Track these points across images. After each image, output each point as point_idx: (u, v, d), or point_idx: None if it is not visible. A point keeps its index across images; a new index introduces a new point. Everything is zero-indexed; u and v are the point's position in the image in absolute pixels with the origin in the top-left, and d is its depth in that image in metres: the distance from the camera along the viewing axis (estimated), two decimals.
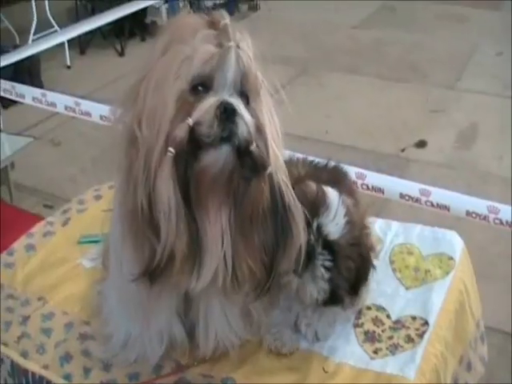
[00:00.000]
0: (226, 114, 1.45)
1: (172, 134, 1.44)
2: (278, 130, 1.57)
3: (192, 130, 1.44)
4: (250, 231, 1.53)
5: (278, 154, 1.55)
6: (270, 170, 1.50)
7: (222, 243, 1.52)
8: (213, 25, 1.54)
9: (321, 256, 1.73)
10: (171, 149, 1.44)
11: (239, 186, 1.50)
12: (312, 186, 1.80)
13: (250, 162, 1.49)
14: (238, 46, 1.50)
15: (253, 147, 1.48)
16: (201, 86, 1.49)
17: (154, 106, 1.48)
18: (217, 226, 1.51)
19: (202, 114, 1.45)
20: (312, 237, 1.72)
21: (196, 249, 1.51)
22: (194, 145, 1.45)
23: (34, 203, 4.86)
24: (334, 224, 1.74)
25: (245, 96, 1.51)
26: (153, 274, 1.50)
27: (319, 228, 1.73)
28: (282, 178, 1.56)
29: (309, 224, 1.70)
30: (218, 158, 1.46)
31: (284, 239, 1.56)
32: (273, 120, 1.56)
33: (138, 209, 1.46)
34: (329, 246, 1.73)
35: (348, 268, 1.76)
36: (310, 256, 1.71)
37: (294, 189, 1.64)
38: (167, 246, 1.47)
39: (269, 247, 1.56)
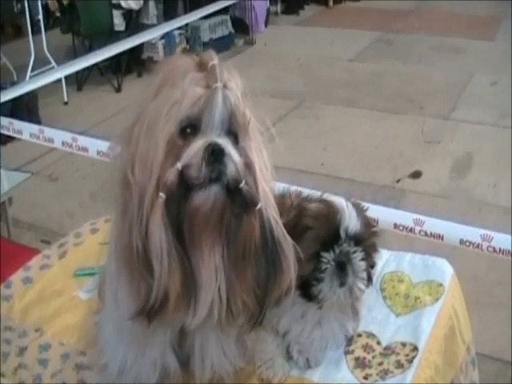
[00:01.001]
0: (214, 155, 1.47)
1: (162, 178, 1.47)
2: (267, 166, 1.59)
3: (182, 174, 1.47)
4: (243, 266, 1.56)
5: (267, 190, 1.58)
6: (259, 205, 1.53)
7: (216, 279, 1.54)
8: (201, 66, 1.57)
9: (355, 251, 1.80)
10: (162, 194, 1.47)
11: (230, 223, 1.53)
12: (317, 204, 1.86)
13: (239, 199, 1.51)
14: (225, 86, 1.53)
15: (242, 185, 1.50)
16: (189, 128, 1.51)
17: (146, 150, 1.51)
18: (210, 264, 1.54)
19: (190, 158, 1.48)
20: (344, 240, 1.79)
21: (191, 287, 1.53)
22: (185, 187, 1.48)
23: (31, 239, 4.89)
24: (353, 221, 1.80)
25: (233, 135, 1.54)
26: (149, 313, 1.53)
27: (346, 230, 1.79)
28: (272, 213, 1.58)
29: (337, 231, 1.79)
30: (208, 198, 1.49)
31: (275, 272, 1.58)
32: (262, 156, 1.58)
33: (134, 248, 1.49)
34: (355, 239, 1.81)
35: (369, 255, 1.85)
36: (348, 256, 1.79)
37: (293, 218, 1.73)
38: (161, 286, 1.50)
39: (261, 280, 1.58)
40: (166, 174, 1.48)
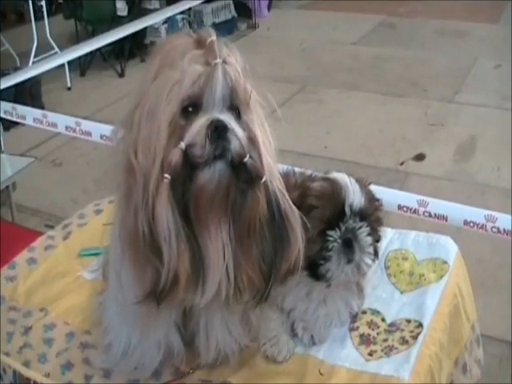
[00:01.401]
0: (217, 132, 1.48)
1: (166, 159, 1.47)
2: (270, 140, 1.59)
3: (186, 153, 1.47)
4: (249, 242, 1.56)
5: (272, 163, 1.58)
6: (264, 179, 1.53)
7: (224, 258, 1.55)
8: (200, 43, 1.57)
9: (360, 227, 1.80)
10: (167, 175, 1.47)
11: (236, 198, 1.53)
12: (320, 183, 1.86)
13: (244, 173, 1.51)
14: (224, 62, 1.53)
15: (246, 159, 1.50)
16: (191, 107, 1.52)
17: (148, 134, 1.51)
18: (218, 242, 1.54)
19: (193, 136, 1.48)
20: (349, 217, 1.79)
21: (199, 266, 1.54)
22: (190, 166, 1.48)
23: (35, 224, 4.89)
24: (357, 197, 1.81)
25: (235, 110, 1.54)
26: (158, 296, 1.54)
27: (351, 206, 1.79)
28: (278, 186, 1.58)
29: (342, 208, 1.79)
30: (213, 175, 1.49)
31: (282, 246, 1.58)
32: (264, 130, 1.59)
33: (140, 233, 1.49)
34: (360, 214, 1.81)
35: (375, 230, 1.86)
36: (354, 233, 1.79)
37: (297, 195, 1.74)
38: (171, 268, 1.50)
39: (267, 255, 1.58)
40: (169, 155, 1.48)
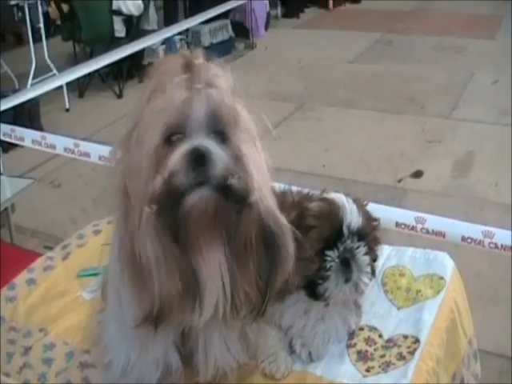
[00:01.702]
0: (198, 159, 1.49)
1: (150, 188, 1.49)
2: (262, 158, 1.59)
3: (169, 181, 1.49)
4: (245, 259, 1.57)
5: (262, 181, 1.57)
6: (253, 198, 1.53)
7: (221, 277, 1.56)
8: (187, 67, 1.58)
9: (358, 247, 1.82)
10: (151, 205, 1.49)
11: (228, 219, 1.54)
12: (318, 203, 1.88)
13: (232, 195, 1.52)
14: (210, 84, 1.54)
15: (232, 181, 1.51)
16: (176, 134, 1.53)
17: (137, 160, 1.53)
18: (212, 263, 1.55)
19: (174, 165, 1.49)
20: (347, 237, 1.81)
21: (195, 288, 1.55)
22: (174, 193, 1.49)
23: (34, 245, 4.89)
24: (354, 217, 1.82)
25: (221, 133, 1.54)
26: (155, 319, 1.56)
27: (349, 227, 1.81)
28: (268, 203, 1.59)
29: (340, 228, 1.80)
30: (198, 201, 1.50)
31: (276, 262, 1.59)
32: (256, 149, 1.58)
33: (136, 255, 1.51)
34: (357, 234, 1.83)
35: (372, 249, 1.88)
36: (352, 252, 1.81)
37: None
38: (161, 292, 1.52)
39: (263, 271, 1.59)
40: (153, 183, 1.49)
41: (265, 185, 1.58)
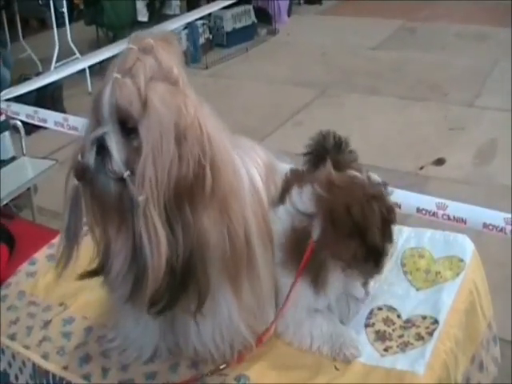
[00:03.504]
0: (98, 149, 1.59)
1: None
2: (170, 154, 1.57)
3: (80, 163, 1.61)
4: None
5: (159, 178, 1.57)
6: (141, 198, 1.56)
7: (125, 256, 1.64)
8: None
9: None
10: (75, 180, 1.64)
11: (127, 208, 1.61)
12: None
13: (126, 189, 1.59)
14: (128, 73, 1.57)
15: (125, 175, 1.58)
16: (96, 120, 1.62)
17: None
18: (119, 241, 1.66)
19: (83, 150, 1.62)
20: None
21: (107, 256, 1.70)
22: (86, 174, 1.61)
23: (56, 226, 4.87)
24: None
25: (127, 124, 1.59)
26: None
27: None
28: (151, 211, 1.57)
29: None
30: (98, 187, 1.62)
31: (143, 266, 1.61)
32: (166, 144, 1.57)
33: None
34: None
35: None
36: None
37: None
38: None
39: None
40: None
41: (160, 183, 1.58)
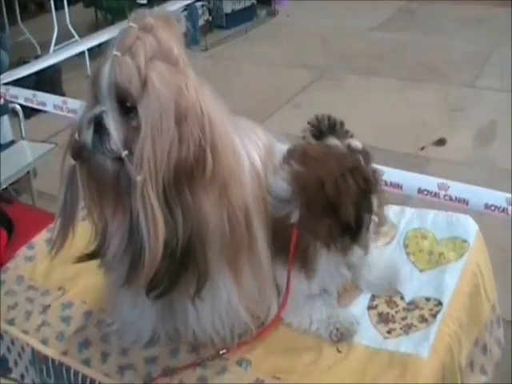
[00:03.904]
0: (95, 128, 1.57)
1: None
2: (169, 134, 1.55)
3: (77, 142, 1.59)
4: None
5: (159, 157, 1.54)
6: (139, 178, 1.54)
7: (122, 236, 1.63)
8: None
9: None
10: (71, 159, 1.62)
11: (125, 187, 1.59)
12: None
13: (124, 168, 1.57)
14: (127, 51, 1.55)
15: (123, 154, 1.55)
16: (94, 98, 1.60)
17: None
18: (116, 221, 1.64)
19: (81, 128, 1.59)
20: None
21: (104, 236, 1.68)
22: (83, 153, 1.59)
23: (55, 210, 4.88)
24: None
25: (126, 103, 1.56)
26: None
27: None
28: (149, 191, 1.55)
29: None
30: (95, 165, 1.60)
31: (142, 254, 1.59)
32: (166, 123, 1.55)
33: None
34: None
35: None
36: None
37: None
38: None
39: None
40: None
41: (159, 162, 1.55)
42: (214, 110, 1.63)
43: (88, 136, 1.57)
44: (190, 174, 1.57)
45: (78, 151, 1.60)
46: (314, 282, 1.87)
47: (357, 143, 1.90)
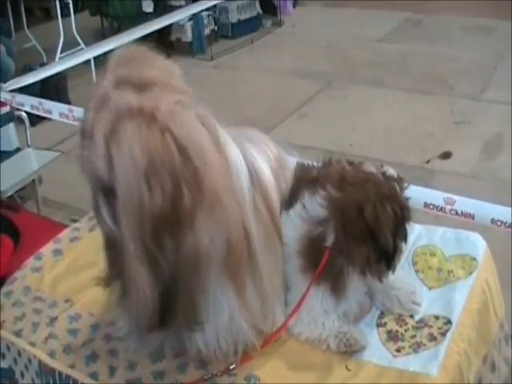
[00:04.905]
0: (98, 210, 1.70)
1: None
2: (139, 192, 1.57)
3: None
4: None
5: (129, 224, 1.59)
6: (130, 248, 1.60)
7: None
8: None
9: None
10: None
11: None
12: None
13: None
14: (89, 140, 1.61)
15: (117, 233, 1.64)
16: None
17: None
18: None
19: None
20: None
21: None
22: None
23: (61, 218, 4.85)
24: None
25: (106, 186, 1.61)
26: None
27: None
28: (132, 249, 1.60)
29: None
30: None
31: None
32: (135, 184, 1.56)
33: None
34: None
35: None
36: None
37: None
38: None
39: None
40: None
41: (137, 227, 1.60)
42: (192, 133, 1.61)
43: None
44: (167, 219, 1.57)
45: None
46: (341, 305, 1.88)
47: (392, 171, 1.90)
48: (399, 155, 5.68)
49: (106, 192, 1.60)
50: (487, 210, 2.99)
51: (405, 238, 1.85)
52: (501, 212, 2.94)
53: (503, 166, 5.49)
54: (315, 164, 2.10)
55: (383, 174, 1.88)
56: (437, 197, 3.10)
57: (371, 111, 6.67)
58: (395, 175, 1.91)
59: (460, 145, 5.89)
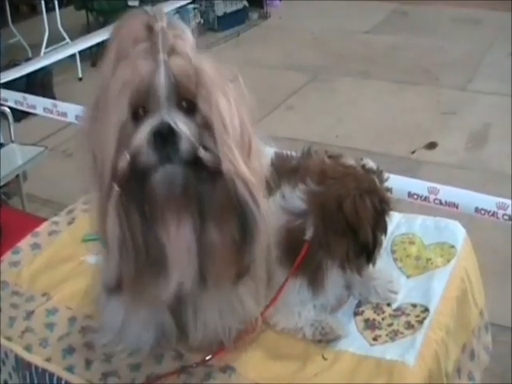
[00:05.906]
0: (163, 136, 1.45)
1: (115, 167, 1.47)
2: (235, 116, 1.54)
3: (135, 160, 1.47)
4: (218, 228, 1.54)
5: (234, 149, 1.51)
6: (224, 166, 1.49)
7: (188, 251, 1.54)
8: (149, 30, 1.52)
9: None
10: (115, 185, 1.47)
11: (198, 190, 1.51)
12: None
13: (201, 166, 1.49)
14: (173, 52, 1.50)
15: (201, 153, 1.47)
16: (141, 108, 1.49)
17: (103, 135, 1.50)
18: (180, 237, 1.53)
19: (137, 144, 1.47)
20: None
21: (162, 263, 1.54)
22: (140, 172, 1.48)
23: (46, 214, 4.80)
24: None
25: (187, 102, 1.50)
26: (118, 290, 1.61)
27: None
28: (240, 170, 1.52)
29: None
30: (164, 179, 1.48)
31: (250, 230, 1.56)
32: (229, 105, 1.53)
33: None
34: None
35: None
36: None
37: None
38: (123, 268, 1.54)
39: (237, 241, 1.57)
40: (118, 162, 1.47)
41: (236, 152, 1.52)
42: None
43: (155, 149, 1.46)
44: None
45: (131, 172, 1.48)
46: (319, 298, 1.88)
47: (372, 163, 1.90)
48: (386, 146, 5.70)
49: (187, 111, 1.49)
50: (471, 199, 3.00)
51: (385, 231, 1.86)
52: (485, 201, 2.95)
53: (490, 156, 5.52)
54: (294, 154, 2.10)
55: (363, 166, 1.88)
56: (421, 186, 3.11)
57: (358, 103, 6.68)
58: (375, 167, 1.90)
59: (446, 135, 5.91)
